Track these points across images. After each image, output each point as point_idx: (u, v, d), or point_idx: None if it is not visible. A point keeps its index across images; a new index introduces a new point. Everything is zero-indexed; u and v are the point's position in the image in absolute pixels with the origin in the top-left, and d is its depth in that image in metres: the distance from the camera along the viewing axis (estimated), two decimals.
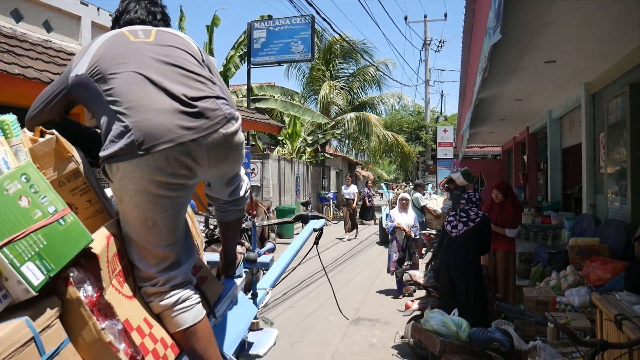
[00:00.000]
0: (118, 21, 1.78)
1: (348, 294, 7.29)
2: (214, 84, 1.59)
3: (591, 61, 5.57)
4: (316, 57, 17.88)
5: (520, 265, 6.06)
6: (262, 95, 16.48)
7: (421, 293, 5.49)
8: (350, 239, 13.56)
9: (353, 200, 14.59)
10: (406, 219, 7.25)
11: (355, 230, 14.23)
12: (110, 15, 9.08)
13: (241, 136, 1.60)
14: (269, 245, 2.78)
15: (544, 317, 2.32)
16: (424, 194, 10.45)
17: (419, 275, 5.11)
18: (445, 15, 32.21)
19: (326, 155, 22.27)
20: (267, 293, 2.50)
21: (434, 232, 8.56)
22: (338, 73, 23.37)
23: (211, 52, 15.47)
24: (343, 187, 15.84)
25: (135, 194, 1.41)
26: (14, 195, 1.13)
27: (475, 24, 5.82)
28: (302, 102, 21.39)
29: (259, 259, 2.35)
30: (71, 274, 1.21)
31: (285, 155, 17.79)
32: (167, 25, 1.81)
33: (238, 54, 15.69)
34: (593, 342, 2.10)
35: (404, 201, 7.40)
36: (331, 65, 22.33)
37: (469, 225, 4.55)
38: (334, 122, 20.22)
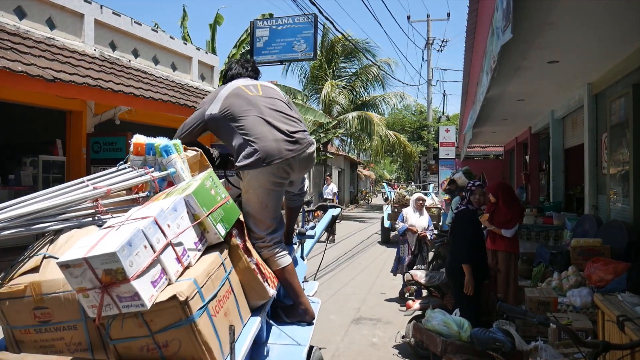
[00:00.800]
0: (226, 75, 2.78)
1: (349, 293, 7.29)
2: (300, 121, 2.55)
3: (594, 61, 5.55)
4: (318, 56, 17.86)
5: (522, 265, 6.05)
6: None
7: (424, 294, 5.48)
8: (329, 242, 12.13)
9: (332, 200, 14.41)
10: (421, 221, 6.93)
11: (331, 236, 12.28)
12: (114, 13, 9.10)
13: (315, 153, 2.57)
14: (311, 224, 3.80)
15: (546, 317, 2.32)
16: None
17: (420, 275, 5.10)
18: (448, 14, 32.06)
19: (328, 154, 22.26)
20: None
21: (435, 231, 8.54)
22: (340, 72, 23.33)
23: (214, 51, 15.48)
24: (324, 187, 15.55)
25: (257, 188, 2.34)
26: (209, 188, 2.06)
27: (479, 24, 5.81)
28: (304, 101, 21.37)
29: (307, 233, 3.40)
30: (234, 231, 2.14)
31: None
32: (256, 72, 2.79)
33: (240, 52, 15.67)
34: (595, 343, 2.10)
35: (420, 202, 7.06)
36: (333, 64, 22.30)
37: (450, 229, 4.52)
38: (336, 122, 20.20)
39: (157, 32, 10.32)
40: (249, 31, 13.41)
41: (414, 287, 5.35)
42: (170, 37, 10.69)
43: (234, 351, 1.73)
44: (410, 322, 4.70)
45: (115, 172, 2.18)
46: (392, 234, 12.92)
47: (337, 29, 16.08)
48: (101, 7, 8.76)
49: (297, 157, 2.38)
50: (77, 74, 6.64)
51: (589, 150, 6.54)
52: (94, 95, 7.00)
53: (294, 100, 17.71)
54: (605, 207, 6.07)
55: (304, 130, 2.50)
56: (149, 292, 1.62)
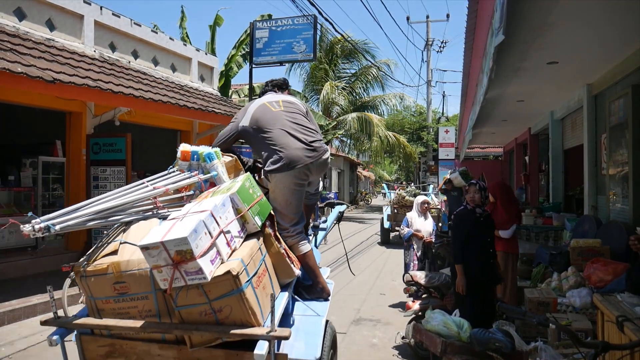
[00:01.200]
0: (260, 93, 3.33)
1: (349, 294, 7.29)
2: (317, 131, 3.03)
3: (593, 62, 5.56)
4: (318, 57, 17.86)
5: (522, 266, 6.06)
6: None
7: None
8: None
9: None
10: (426, 226, 6.74)
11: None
12: (113, 14, 9.11)
13: (329, 159, 3.04)
14: (323, 218, 4.21)
15: (545, 318, 2.32)
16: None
17: (420, 275, 5.09)
18: (448, 15, 32.08)
19: None
20: None
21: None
22: (340, 73, 23.34)
23: (213, 52, 15.47)
24: None
25: (282, 188, 2.82)
26: (248, 187, 2.52)
27: (478, 25, 5.81)
28: (304, 102, 21.36)
29: (320, 226, 3.90)
30: (267, 222, 2.59)
31: None
32: (278, 86, 3.31)
33: (240, 53, 15.67)
34: (594, 344, 2.11)
35: (425, 205, 6.86)
36: (333, 65, 22.30)
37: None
38: (335, 122, 20.20)
39: (156, 33, 10.32)
40: (249, 32, 13.42)
41: (414, 288, 5.34)
42: (170, 38, 10.69)
43: (274, 313, 2.13)
44: (410, 322, 4.70)
45: (166, 175, 2.65)
46: (392, 234, 12.91)
47: (336, 30, 16.11)
48: (101, 8, 8.77)
49: (314, 162, 2.84)
50: (76, 75, 6.64)
51: (589, 151, 6.54)
52: (94, 96, 7.01)
53: None
54: (604, 207, 6.07)
55: (320, 140, 2.97)
56: (209, 268, 2.08)
